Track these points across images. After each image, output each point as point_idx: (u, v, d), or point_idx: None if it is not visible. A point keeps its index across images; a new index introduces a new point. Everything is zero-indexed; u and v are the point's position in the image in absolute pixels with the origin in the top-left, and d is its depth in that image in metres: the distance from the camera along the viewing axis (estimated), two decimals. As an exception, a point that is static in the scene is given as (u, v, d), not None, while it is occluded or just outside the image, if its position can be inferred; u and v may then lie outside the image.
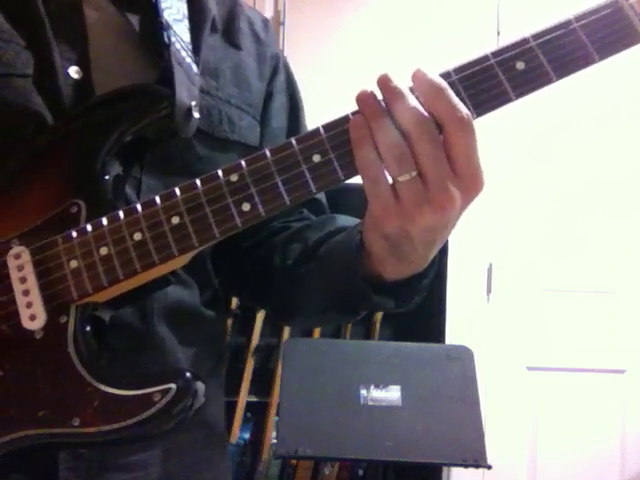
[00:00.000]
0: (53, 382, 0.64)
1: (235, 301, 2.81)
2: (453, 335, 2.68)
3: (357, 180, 0.62)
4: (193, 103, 0.72)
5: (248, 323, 2.95)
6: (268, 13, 2.81)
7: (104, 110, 0.69)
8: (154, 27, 0.76)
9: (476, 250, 2.74)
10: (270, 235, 0.88)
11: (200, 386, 0.63)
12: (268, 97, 0.91)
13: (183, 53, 0.76)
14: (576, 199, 2.75)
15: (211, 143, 0.80)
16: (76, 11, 0.74)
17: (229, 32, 0.88)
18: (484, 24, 2.74)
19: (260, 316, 2.94)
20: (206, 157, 0.79)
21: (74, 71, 0.72)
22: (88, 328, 0.65)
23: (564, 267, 2.74)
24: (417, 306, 0.72)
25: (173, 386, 0.62)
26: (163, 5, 0.77)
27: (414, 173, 0.58)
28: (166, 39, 0.74)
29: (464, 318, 2.71)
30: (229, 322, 2.84)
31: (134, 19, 0.78)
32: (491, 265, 2.75)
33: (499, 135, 2.69)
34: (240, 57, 0.87)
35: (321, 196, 0.93)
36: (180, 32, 0.78)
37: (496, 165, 2.69)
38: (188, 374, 0.63)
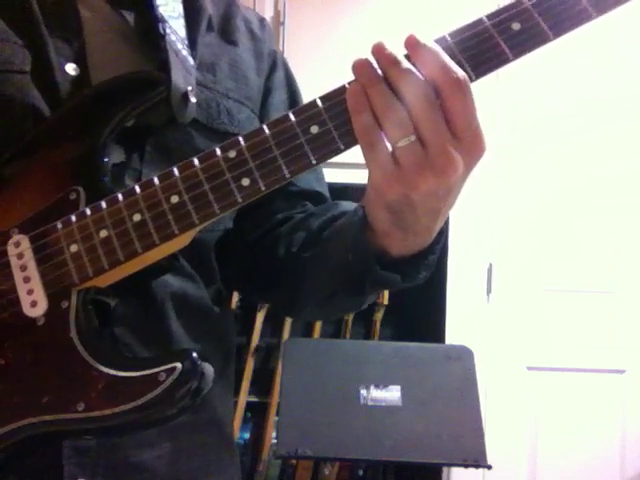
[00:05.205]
0: (56, 368, 0.63)
1: (235, 301, 2.81)
2: (453, 335, 2.68)
3: (359, 180, 0.62)
4: (189, 88, 0.72)
5: (248, 323, 2.95)
6: (268, 13, 2.81)
7: (101, 97, 0.69)
8: (149, 22, 0.77)
9: (476, 250, 2.74)
10: (274, 227, 0.87)
11: (208, 368, 0.62)
12: (267, 92, 0.91)
13: (179, 45, 0.76)
14: (576, 199, 2.75)
15: (210, 135, 0.80)
16: (71, 9, 0.75)
17: (225, 30, 0.88)
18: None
19: (260, 316, 2.94)
20: (206, 149, 0.80)
21: (71, 68, 0.73)
22: (90, 312, 0.65)
23: (564, 267, 2.74)
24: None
25: (179, 365, 0.61)
26: (158, 2, 0.78)
27: (413, 137, 0.58)
28: (161, 30, 0.75)
29: (464, 318, 2.70)
30: (229, 322, 2.83)
31: (129, 16, 0.79)
32: (491, 265, 2.75)
33: (499, 135, 2.70)
34: (237, 53, 0.88)
35: (325, 190, 0.93)
36: (176, 28, 0.78)
37: (496, 165, 2.69)
38: (195, 354, 0.62)
